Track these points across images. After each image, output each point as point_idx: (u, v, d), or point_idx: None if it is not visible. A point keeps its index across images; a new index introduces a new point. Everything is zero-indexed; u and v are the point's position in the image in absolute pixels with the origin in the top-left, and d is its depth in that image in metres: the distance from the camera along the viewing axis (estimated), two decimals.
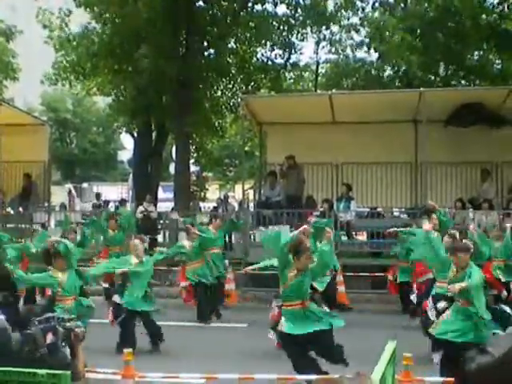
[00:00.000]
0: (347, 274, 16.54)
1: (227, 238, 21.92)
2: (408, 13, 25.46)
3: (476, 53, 26.53)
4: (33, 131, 21.95)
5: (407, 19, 24.74)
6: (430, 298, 10.65)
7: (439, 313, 9.81)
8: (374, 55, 27.85)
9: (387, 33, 25.02)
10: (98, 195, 28.46)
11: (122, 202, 24.01)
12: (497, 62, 27.02)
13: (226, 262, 16.84)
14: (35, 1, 25.63)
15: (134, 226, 18.52)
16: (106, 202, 28.98)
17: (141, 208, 23.20)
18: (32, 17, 26.53)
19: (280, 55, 26.16)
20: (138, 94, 23.89)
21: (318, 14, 25.90)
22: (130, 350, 7.81)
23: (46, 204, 22.57)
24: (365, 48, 28.05)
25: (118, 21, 23.57)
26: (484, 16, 24.24)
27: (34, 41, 32.64)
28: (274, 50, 26.06)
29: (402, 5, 26.27)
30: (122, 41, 23.40)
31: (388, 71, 28.52)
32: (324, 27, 28.87)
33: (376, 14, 26.97)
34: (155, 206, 24.20)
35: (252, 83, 26.90)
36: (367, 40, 27.46)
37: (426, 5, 25.10)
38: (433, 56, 24.50)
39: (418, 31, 24.84)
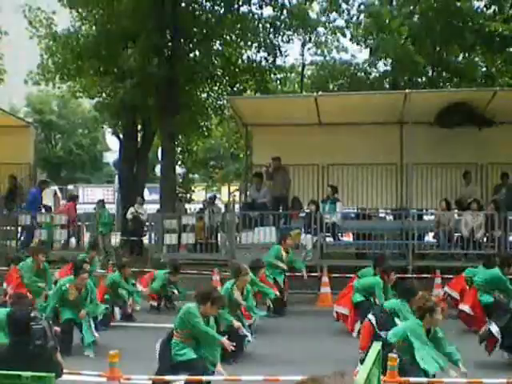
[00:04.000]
0: (333, 275, 16.58)
1: (213, 240, 21.93)
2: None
3: (461, 55, 26.66)
4: (18, 133, 21.88)
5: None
6: None
7: None
8: (361, 57, 27.95)
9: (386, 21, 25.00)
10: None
11: (100, 202, 23.94)
12: (482, 63, 27.17)
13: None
14: None
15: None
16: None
17: (131, 209, 23.25)
18: (17, 17, 26.46)
19: (265, 57, 26.15)
20: (123, 95, 23.82)
21: (303, 17, 25.91)
22: (116, 351, 7.78)
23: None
24: (353, 46, 28.22)
25: (103, 22, 23.51)
26: (471, 18, 24.36)
27: (19, 42, 32.51)
28: (259, 51, 26.05)
29: (388, 7, 26.33)
30: (107, 42, 23.33)
31: (374, 73, 28.59)
32: (309, 29, 28.94)
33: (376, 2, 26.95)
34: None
35: (238, 85, 26.93)
36: (359, 37, 27.51)
37: (412, 7, 25.23)
38: (420, 57, 24.59)
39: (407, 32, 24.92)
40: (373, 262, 13.48)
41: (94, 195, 41.80)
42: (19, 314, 6.39)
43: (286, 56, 26.30)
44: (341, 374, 2.80)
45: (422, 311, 8.16)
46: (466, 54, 26.46)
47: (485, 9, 24.87)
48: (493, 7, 24.42)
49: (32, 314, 6.32)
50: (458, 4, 23.86)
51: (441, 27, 24.14)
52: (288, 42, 26.58)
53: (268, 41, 25.56)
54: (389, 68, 27.23)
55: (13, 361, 5.92)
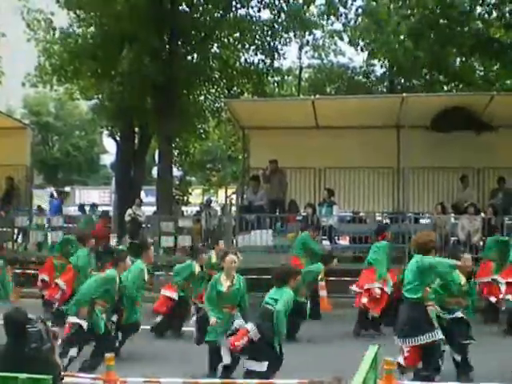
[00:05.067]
0: (329, 278, 16.56)
1: (210, 242, 21.92)
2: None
3: (459, 59, 26.70)
4: (15, 135, 21.83)
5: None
6: None
7: None
8: (359, 60, 28.01)
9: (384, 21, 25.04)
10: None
11: (94, 206, 23.91)
12: (479, 68, 27.21)
13: None
14: (18, 1, 25.53)
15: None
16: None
17: (129, 211, 23.24)
18: (15, 19, 26.44)
19: (263, 60, 26.17)
20: (121, 97, 23.83)
21: (301, 20, 25.93)
22: (112, 354, 7.77)
23: (28, 208, 22.46)
24: (350, 50, 28.30)
25: (101, 23, 23.50)
26: (469, 22, 24.40)
27: (17, 44, 32.49)
28: (257, 54, 26.07)
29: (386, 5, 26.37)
30: (104, 43, 23.32)
31: (372, 76, 28.65)
32: (307, 32, 28.97)
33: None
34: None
35: (235, 87, 26.92)
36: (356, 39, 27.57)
37: (409, 11, 25.25)
38: (418, 60, 24.63)
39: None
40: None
41: (90, 197, 41.81)
42: (16, 315, 6.38)
43: (284, 58, 26.24)
44: (338, 379, 2.81)
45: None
46: (464, 58, 26.49)
47: (487, 15, 24.89)
48: (491, 13, 24.46)
49: (29, 316, 6.31)
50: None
51: (438, 29, 24.18)
52: (286, 44, 26.62)
53: (266, 43, 25.59)
54: (386, 71, 27.27)
55: (8, 363, 5.91)
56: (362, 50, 27.91)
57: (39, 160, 44.17)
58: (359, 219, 20.69)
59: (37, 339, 6.12)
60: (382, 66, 27.88)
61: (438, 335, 8.69)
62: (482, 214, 18.26)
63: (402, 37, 24.44)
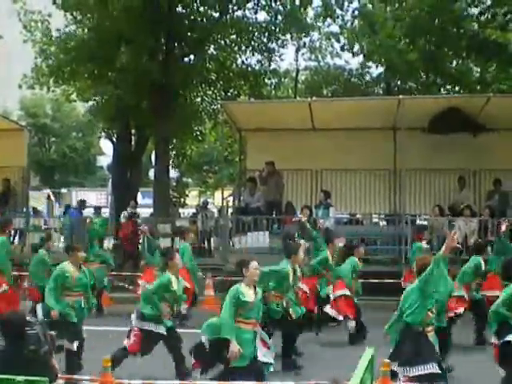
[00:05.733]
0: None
1: (206, 244, 21.92)
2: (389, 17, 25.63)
3: (455, 60, 26.72)
4: (11, 136, 21.78)
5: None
6: None
7: None
8: (355, 62, 28.06)
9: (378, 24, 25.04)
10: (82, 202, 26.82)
11: (97, 209, 23.81)
12: (476, 69, 27.22)
13: None
14: (14, 2, 25.50)
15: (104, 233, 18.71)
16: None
17: (124, 213, 23.20)
18: (11, 21, 26.42)
19: (260, 61, 26.17)
20: (117, 99, 23.82)
21: (297, 21, 25.93)
22: (109, 356, 7.77)
23: (25, 209, 22.43)
24: (346, 53, 28.28)
25: (98, 25, 23.48)
26: (465, 24, 24.42)
27: (13, 46, 32.48)
28: (254, 54, 26.07)
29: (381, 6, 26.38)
30: (101, 45, 23.30)
31: (368, 78, 28.66)
32: (303, 34, 28.97)
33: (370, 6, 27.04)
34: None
35: (232, 89, 26.90)
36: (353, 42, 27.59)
37: (406, 13, 25.27)
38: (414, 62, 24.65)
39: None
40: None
41: (87, 199, 41.71)
42: (14, 318, 6.38)
43: (281, 60, 26.23)
44: (336, 381, 2.82)
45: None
46: (460, 60, 26.51)
47: (480, 15, 24.91)
48: (487, 14, 24.47)
49: (27, 319, 6.31)
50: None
51: (433, 30, 24.21)
52: (283, 46, 26.63)
53: (262, 45, 25.58)
54: (382, 72, 27.28)
55: (6, 365, 5.91)
56: (355, 55, 27.98)
57: (36, 162, 44.07)
58: (356, 221, 20.72)
59: (35, 342, 6.13)
60: (377, 67, 27.90)
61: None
62: (482, 217, 18.27)
63: (397, 39, 24.46)
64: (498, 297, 13.44)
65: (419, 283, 8.22)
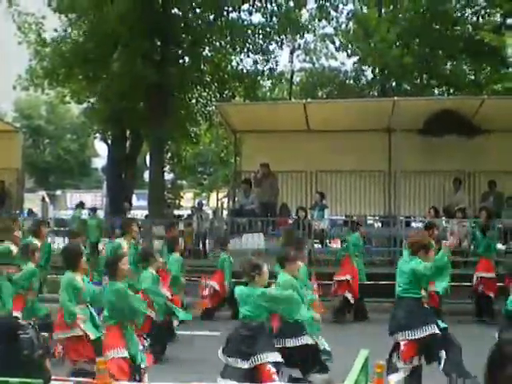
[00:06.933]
0: (322, 282, 16.55)
1: (201, 246, 21.87)
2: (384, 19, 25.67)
3: (449, 62, 26.78)
4: (6, 138, 21.77)
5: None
6: None
7: None
8: (350, 64, 28.11)
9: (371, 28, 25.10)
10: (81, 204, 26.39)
11: (93, 210, 23.75)
12: (470, 71, 27.28)
13: None
14: (9, 6, 25.47)
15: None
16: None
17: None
18: (6, 23, 26.37)
19: (255, 62, 26.16)
20: (112, 101, 23.79)
21: (292, 23, 25.94)
22: (103, 358, 7.74)
23: (19, 211, 22.39)
24: (341, 54, 28.37)
25: (93, 26, 23.45)
26: (459, 27, 24.50)
27: (8, 47, 32.42)
28: (249, 56, 26.07)
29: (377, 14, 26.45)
30: (96, 47, 23.27)
31: (363, 80, 28.69)
32: (298, 36, 28.99)
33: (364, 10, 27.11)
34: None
35: (227, 91, 26.91)
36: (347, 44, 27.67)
37: (400, 15, 25.32)
38: (407, 66, 24.71)
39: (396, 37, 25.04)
40: None
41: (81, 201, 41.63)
42: (7, 322, 6.37)
43: (276, 62, 26.18)
44: (328, 382, 2.81)
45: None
46: (454, 62, 26.56)
47: (474, 18, 24.98)
48: (480, 16, 24.55)
49: (20, 323, 6.30)
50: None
51: (427, 32, 24.26)
52: (278, 48, 26.64)
53: (257, 47, 25.57)
54: (376, 76, 27.33)
55: (0, 369, 5.90)
56: (349, 56, 28.05)
57: (30, 163, 44.01)
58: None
59: (28, 346, 6.12)
60: (372, 71, 27.93)
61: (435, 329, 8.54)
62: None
63: (391, 43, 24.52)
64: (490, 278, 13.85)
65: (424, 270, 8.42)
